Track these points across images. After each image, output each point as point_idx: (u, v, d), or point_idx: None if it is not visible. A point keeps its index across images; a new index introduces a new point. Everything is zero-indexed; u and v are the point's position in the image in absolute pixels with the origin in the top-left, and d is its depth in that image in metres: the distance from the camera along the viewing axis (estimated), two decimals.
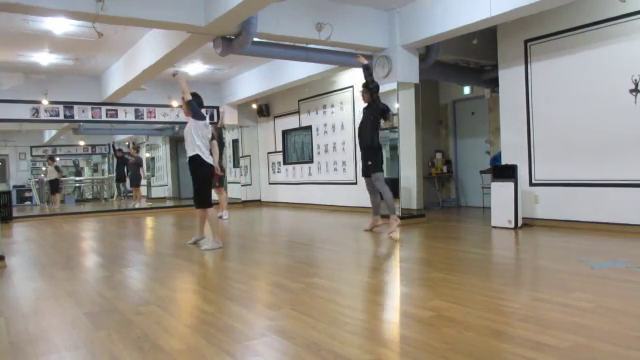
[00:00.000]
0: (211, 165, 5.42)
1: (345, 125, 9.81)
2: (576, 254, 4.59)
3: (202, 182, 5.41)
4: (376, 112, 6.15)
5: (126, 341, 2.55)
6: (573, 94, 6.14)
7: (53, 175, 13.92)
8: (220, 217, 8.99)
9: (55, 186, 13.93)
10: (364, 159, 6.26)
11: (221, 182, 9.13)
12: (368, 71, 6.28)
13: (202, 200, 5.49)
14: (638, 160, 5.54)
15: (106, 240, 7.15)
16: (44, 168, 14.56)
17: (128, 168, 13.45)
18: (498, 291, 3.39)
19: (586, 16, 5.95)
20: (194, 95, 5.46)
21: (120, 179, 14.12)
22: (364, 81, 6.27)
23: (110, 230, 8.38)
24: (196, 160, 5.29)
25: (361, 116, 6.35)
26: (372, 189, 6.34)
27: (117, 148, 14.71)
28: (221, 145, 9.42)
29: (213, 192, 9.38)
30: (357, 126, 6.48)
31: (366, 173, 6.28)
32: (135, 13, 5.55)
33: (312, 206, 10.81)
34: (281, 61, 9.15)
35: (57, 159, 15.57)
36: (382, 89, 7.23)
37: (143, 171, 13.83)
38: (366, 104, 6.26)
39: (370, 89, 6.15)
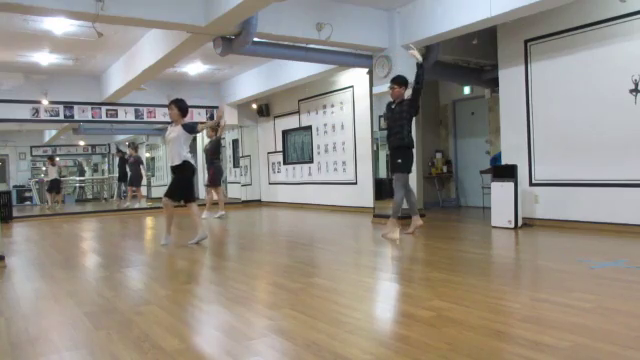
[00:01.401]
0: (194, 166, 5.97)
1: (345, 125, 9.81)
2: (576, 254, 4.59)
3: (190, 182, 5.92)
4: (412, 110, 5.74)
5: (126, 341, 2.55)
6: (573, 94, 6.14)
7: (53, 174, 13.89)
8: (220, 216, 9.04)
9: (55, 185, 13.91)
10: (395, 157, 5.85)
11: (214, 182, 9.11)
12: (422, 69, 5.65)
13: (190, 195, 5.96)
14: (638, 160, 5.54)
15: (106, 240, 7.16)
16: (44, 168, 14.55)
17: (128, 167, 13.43)
18: (498, 291, 3.39)
19: (586, 16, 5.95)
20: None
21: (122, 178, 14.14)
22: (399, 77, 5.87)
23: (110, 230, 8.38)
24: (185, 165, 5.70)
25: (386, 113, 5.94)
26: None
27: (117, 149, 14.74)
28: (219, 149, 9.38)
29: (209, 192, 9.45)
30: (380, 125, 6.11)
31: (394, 170, 5.90)
32: (135, 13, 5.56)
33: (312, 206, 10.82)
34: (281, 61, 9.15)
35: (57, 159, 15.57)
36: (382, 89, 7.26)
37: (144, 169, 13.80)
38: (398, 100, 5.82)
39: (417, 89, 5.65)
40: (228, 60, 8.98)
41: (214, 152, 9.11)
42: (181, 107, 5.71)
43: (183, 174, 5.75)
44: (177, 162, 5.68)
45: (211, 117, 12.13)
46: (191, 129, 5.69)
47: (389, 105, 5.99)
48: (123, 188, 14.19)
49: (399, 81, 5.85)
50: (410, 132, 5.80)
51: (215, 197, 9.23)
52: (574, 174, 6.17)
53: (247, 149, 12.87)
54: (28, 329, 2.83)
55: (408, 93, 5.88)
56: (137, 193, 13.18)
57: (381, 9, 6.96)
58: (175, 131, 5.67)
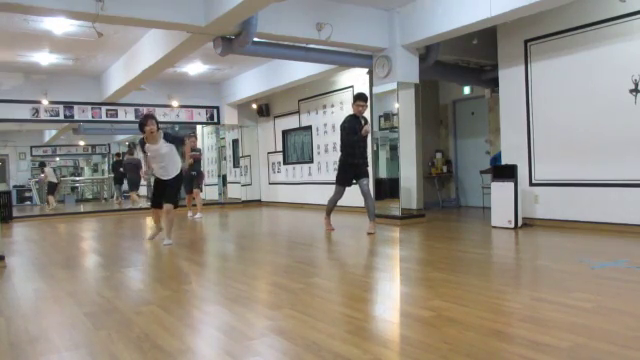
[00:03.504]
0: None
1: None
2: (576, 254, 4.59)
3: (180, 187, 6.29)
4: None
5: (126, 341, 2.55)
6: (573, 94, 6.14)
7: (52, 178, 13.91)
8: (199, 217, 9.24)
9: (52, 188, 13.95)
10: (361, 166, 6.32)
11: (192, 185, 9.35)
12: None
13: (176, 199, 6.15)
14: (638, 160, 5.54)
15: (106, 240, 7.16)
16: (45, 168, 14.55)
17: (125, 170, 13.40)
18: (498, 291, 3.39)
19: (586, 16, 5.95)
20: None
21: (118, 180, 14.17)
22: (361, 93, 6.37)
23: (110, 230, 8.38)
24: (181, 173, 6.05)
25: (346, 126, 6.25)
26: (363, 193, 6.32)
27: (116, 152, 14.81)
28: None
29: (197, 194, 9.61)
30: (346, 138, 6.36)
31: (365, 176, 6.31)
32: (135, 13, 5.56)
33: (312, 206, 10.81)
34: (281, 61, 9.15)
35: (57, 159, 15.54)
36: (382, 89, 7.28)
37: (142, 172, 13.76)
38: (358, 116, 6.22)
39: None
40: (228, 60, 8.98)
41: (198, 160, 9.43)
42: (158, 121, 5.85)
43: (179, 180, 6.02)
44: (175, 173, 5.89)
45: (211, 117, 12.14)
46: (178, 140, 6.11)
47: (358, 120, 6.27)
48: (120, 190, 14.18)
49: (366, 98, 6.30)
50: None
51: (196, 199, 9.46)
52: (574, 174, 6.17)
53: (247, 149, 12.86)
54: (28, 329, 2.84)
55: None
56: (131, 195, 13.20)
57: (381, 9, 6.96)
58: (165, 146, 5.79)
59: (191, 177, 9.29)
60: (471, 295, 3.22)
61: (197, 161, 9.42)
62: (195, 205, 9.57)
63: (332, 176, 10.27)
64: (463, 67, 8.24)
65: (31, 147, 18.60)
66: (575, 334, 2.42)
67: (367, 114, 6.40)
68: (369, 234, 6.18)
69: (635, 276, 3.61)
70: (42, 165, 14.57)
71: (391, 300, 3.42)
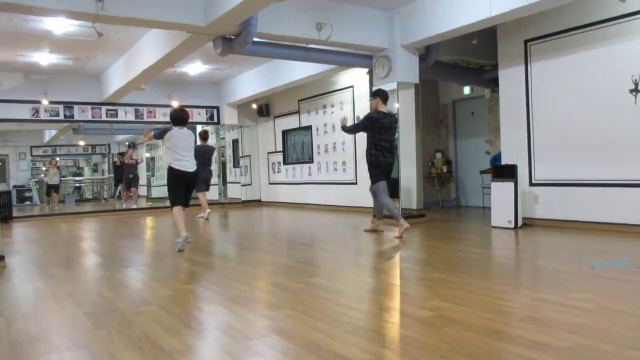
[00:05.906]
0: None
1: None
2: (576, 254, 4.59)
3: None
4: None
5: (126, 341, 2.55)
6: (573, 94, 6.15)
7: (56, 179, 13.95)
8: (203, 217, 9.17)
9: (56, 187, 14.02)
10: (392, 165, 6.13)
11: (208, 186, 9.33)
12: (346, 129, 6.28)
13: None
14: (638, 160, 5.54)
15: (106, 240, 7.16)
16: (43, 168, 14.54)
17: (129, 170, 13.47)
18: (498, 291, 3.39)
19: (586, 16, 5.95)
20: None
21: (119, 180, 14.25)
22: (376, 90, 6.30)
23: (110, 230, 8.38)
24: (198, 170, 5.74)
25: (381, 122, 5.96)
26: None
27: (116, 157, 14.87)
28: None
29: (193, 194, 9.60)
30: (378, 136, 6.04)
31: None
32: (135, 13, 5.56)
33: (312, 206, 10.82)
34: (281, 61, 9.15)
35: (57, 159, 15.59)
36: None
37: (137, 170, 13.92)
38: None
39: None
40: (228, 60, 8.98)
41: (209, 157, 9.21)
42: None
43: (195, 180, 5.70)
44: (195, 167, 5.58)
45: (211, 117, 12.15)
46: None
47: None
48: (121, 190, 14.27)
49: (372, 93, 6.31)
50: (369, 147, 6.02)
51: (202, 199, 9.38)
52: (574, 174, 6.17)
53: (247, 149, 12.87)
54: (28, 329, 2.84)
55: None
56: (124, 195, 13.28)
57: (381, 9, 6.95)
58: (191, 135, 5.66)
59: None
60: (471, 295, 3.22)
61: (208, 158, 9.31)
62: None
63: (332, 176, 10.31)
64: (463, 67, 8.24)
65: (31, 147, 18.60)
66: (575, 334, 2.42)
67: (365, 113, 6.39)
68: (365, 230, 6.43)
69: (635, 276, 3.61)
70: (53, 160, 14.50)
71: (391, 300, 3.42)
